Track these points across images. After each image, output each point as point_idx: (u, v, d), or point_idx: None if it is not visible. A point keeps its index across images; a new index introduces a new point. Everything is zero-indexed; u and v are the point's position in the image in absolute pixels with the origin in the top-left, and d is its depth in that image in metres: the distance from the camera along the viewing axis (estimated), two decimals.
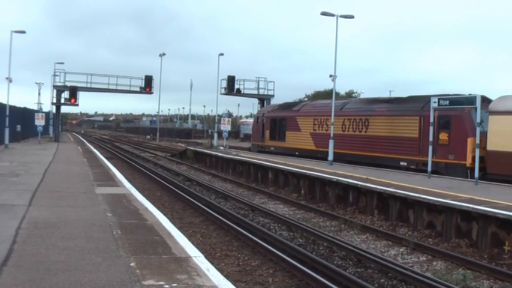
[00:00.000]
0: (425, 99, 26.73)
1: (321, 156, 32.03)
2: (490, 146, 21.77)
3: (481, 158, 22.22)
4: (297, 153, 35.51)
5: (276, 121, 39.01)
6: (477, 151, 19.81)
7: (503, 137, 21.18)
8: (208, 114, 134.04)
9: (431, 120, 22.39)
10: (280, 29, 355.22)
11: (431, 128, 22.25)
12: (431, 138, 22.19)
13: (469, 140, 23.06)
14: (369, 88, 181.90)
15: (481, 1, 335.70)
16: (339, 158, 30.09)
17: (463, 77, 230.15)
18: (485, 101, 23.52)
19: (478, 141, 19.92)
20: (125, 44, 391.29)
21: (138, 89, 50.99)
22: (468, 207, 14.08)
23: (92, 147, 44.60)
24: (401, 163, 26.82)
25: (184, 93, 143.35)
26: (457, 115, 24.08)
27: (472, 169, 22.01)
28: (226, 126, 45.06)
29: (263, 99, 48.81)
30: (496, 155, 21.40)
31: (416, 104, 27.31)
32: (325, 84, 78.35)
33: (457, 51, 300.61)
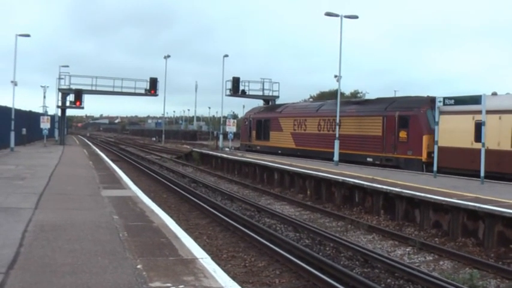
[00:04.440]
0: (389, 101, 30.51)
1: (300, 154, 34.83)
2: (441, 143, 23.75)
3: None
4: (279, 151, 37.85)
5: (261, 122, 41.75)
6: (483, 150, 19.72)
7: (451, 134, 23.56)
8: (213, 116, 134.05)
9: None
10: (299, 30, 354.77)
11: (436, 128, 22.23)
12: (436, 138, 22.20)
13: (425, 138, 25.82)
14: (379, 88, 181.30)
15: (498, 1, 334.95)
16: (315, 156, 33.05)
17: (478, 77, 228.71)
18: None
19: (483, 140, 19.84)
20: (140, 46, 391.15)
21: (143, 91, 51.03)
22: (474, 206, 14.06)
23: (97, 150, 44.66)
24: (368, 159, 29.20)
25: (192, 95, 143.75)
26: (414, 115, 26.75)
27: (427, 164, 25.29)
28: (231, 128, 45.06)
29: (268, 100, 48.78)
30: (445, 150, 23.62)
31: (381, 105, 29.95)
32: (333, 85, 77.90)
33: (474, 51, 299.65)
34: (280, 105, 43.35)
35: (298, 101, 57.34)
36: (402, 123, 27.34)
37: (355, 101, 33.83)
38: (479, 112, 21.43)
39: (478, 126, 22.22)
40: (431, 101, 26.63)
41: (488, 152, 20.95)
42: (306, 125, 35.57)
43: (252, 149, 42.57)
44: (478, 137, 22.30)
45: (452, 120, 23.74)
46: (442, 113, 24.45)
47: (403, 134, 27.22)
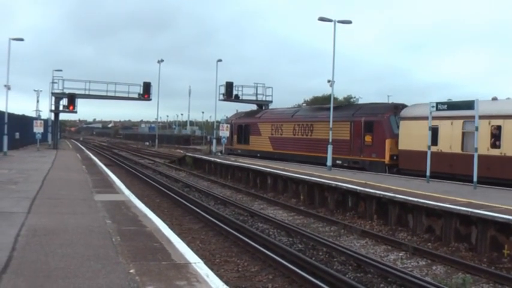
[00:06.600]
0: (356, 107, 33.01)
1: (277, 158, 36.41)
2: (401, 146, 26.40)
3: (397, 156, 26.87)
4: (258, 154, 39.58)
5: (242, 127, 43.70)
6: (476, 155, 19.78)
7: (410, 139, 25.36)
8: (207, 121, 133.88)
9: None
10: (296, 34, 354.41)
11: (429, 133, 22.29)
12: (429, 143, 22.27)
13: (387, 142, 27.65)
14: (374, 92, 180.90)
15: (499, 5, 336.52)
16: (291, 159, 34.75)
17: (481, 81, 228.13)
18: (403, 108, 28.23)
19: (476, 145, 19.92)
20: (137, 50, 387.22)
21: (136, 96, 50.96)
22: (467, 211, 14.10)
23: (90, 155, 44.56)
24: (337, 162, 30.60)
25: (186, 100, 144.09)
26: (378, 120, 28.58)
27: (390, 166, 27.42)
28: (224, 132, 45.13)
29: (261, 105, 48.82)
30: (405, 153, 26.06)
31: (349, 111, 32.02)
32: (327, 89, 77.70)
33: (477, 55, 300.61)
34: (259, 111, 45.47)
35: (292, 106, 57.46)
36: (367, 128, 28.96)
37: (326, 107, 35.17)
38: (434, 118, 22.28)
39: (433, 131, 23.76)
40: (395, 107, 29.20)
41: (442, 154, 22.50)
42: (283, 130, 37.41)
43: (233, 153, 44.21)
44: (432, 141, 23.85)
45: (411, 125, 25.16)
46: (401, 118, 26.80)
47: (368, 138, 28.85)
